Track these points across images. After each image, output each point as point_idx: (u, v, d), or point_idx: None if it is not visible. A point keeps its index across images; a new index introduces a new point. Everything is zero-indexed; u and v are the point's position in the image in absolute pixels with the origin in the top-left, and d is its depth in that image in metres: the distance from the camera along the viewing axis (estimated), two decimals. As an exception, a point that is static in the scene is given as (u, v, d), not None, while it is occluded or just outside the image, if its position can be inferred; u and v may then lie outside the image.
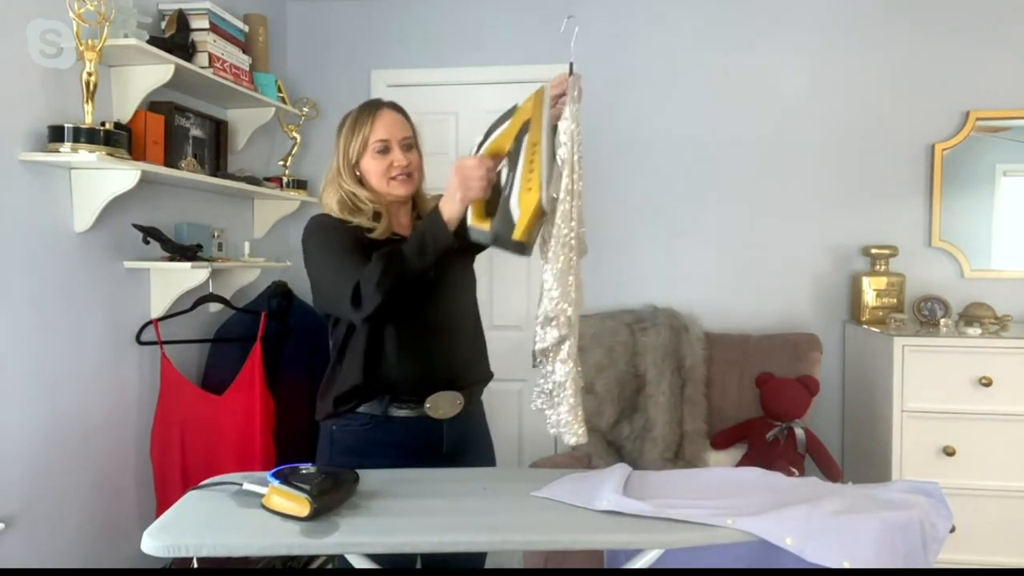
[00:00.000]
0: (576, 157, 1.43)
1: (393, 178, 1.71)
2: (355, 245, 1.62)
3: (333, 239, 1.65)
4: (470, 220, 1.44)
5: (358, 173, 1.73)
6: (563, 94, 1.54)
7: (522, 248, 1.33)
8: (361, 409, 1.69)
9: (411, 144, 1.75)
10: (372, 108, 1.74)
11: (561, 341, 1.45)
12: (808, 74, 3.03)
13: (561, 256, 1.42)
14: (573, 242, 1.44)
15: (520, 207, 1.31)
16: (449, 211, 1.52)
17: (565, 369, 1.46)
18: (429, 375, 1.69)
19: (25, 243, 1.88)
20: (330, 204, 1.73)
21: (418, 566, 1.72)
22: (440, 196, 1.83)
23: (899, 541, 1.29)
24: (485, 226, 1.40)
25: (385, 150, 1.71)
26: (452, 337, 1.73)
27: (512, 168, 1.35)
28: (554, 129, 1.51)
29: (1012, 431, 2.49)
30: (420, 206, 1.82)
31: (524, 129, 1.35)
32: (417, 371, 1.68)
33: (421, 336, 1.68)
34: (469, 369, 1.76)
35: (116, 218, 2.15)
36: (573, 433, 1.48)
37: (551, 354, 1.48)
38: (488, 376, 1.86)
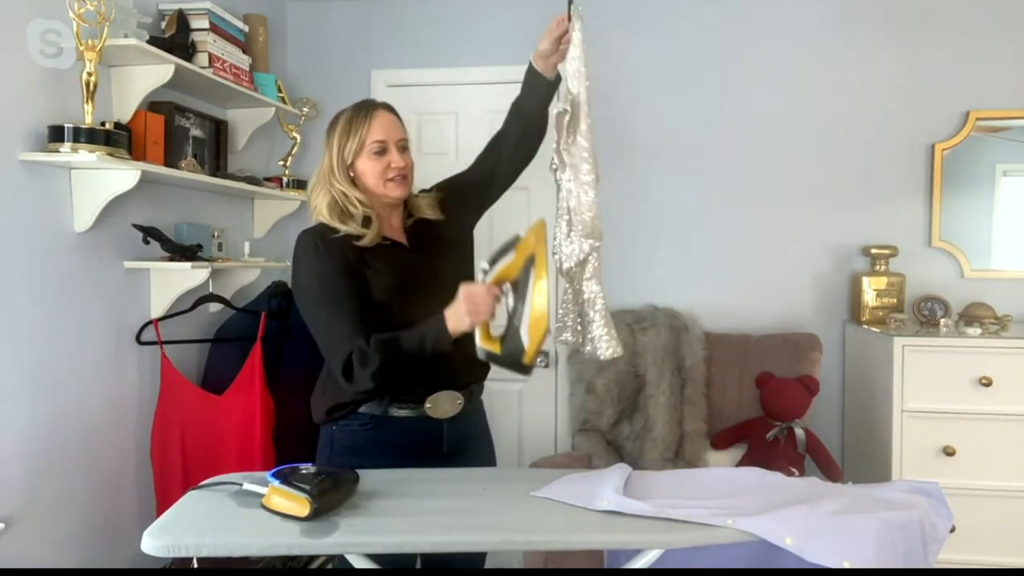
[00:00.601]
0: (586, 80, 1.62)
1: (390, 179, 1.70)
2: (346, 287, 1.61)
3: (323, 284, 1.62)
4: (478, 339, 1.57)
5: (352, 174, 1.71)
6: (565, 33, 1.66)
7: (529, 371, 1.52)
8: (361, 409, 1.69)
9: (406, 146, 1.75)
10: (368, 108, 1.73)
11: (590, 254, 1.56)
12: (808, 74, 3.03)
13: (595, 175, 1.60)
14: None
15: (530, 335, 1.47)
16: (455, 326, 1.56)
17: (593, 286, 1.57)
18: (428, 375, 1.69)
19: (25, 243, 1.88)
20: (320, 207, 1.70)
21: (418, 566, 1.72)
22: (428, 192, 1.84)
23: (899, 541, 1.29)
24: (494, 347, 1.54)
25: (382, 151, 1.69)
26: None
27: (520, 298, 1.51)
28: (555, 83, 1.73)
29: (1012, 431, 2.49)
30: (411, 204, 1.80)
31: (530, 262, 1.48)
32: (416, 372, 1.67)
33: None
34: (468, 368, 1.75)
35: (116, 218, 2.15)
36: (609, 345, 1.59)
37: (576, 275, 1.57)
38: (485, 373, 1.85)
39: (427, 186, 1.89)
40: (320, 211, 1.70)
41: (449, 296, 1.73)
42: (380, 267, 1.67)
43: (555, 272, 1.67)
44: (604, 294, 1.60)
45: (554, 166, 1.67)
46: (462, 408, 1.74)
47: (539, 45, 1.72)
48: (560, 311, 1.75)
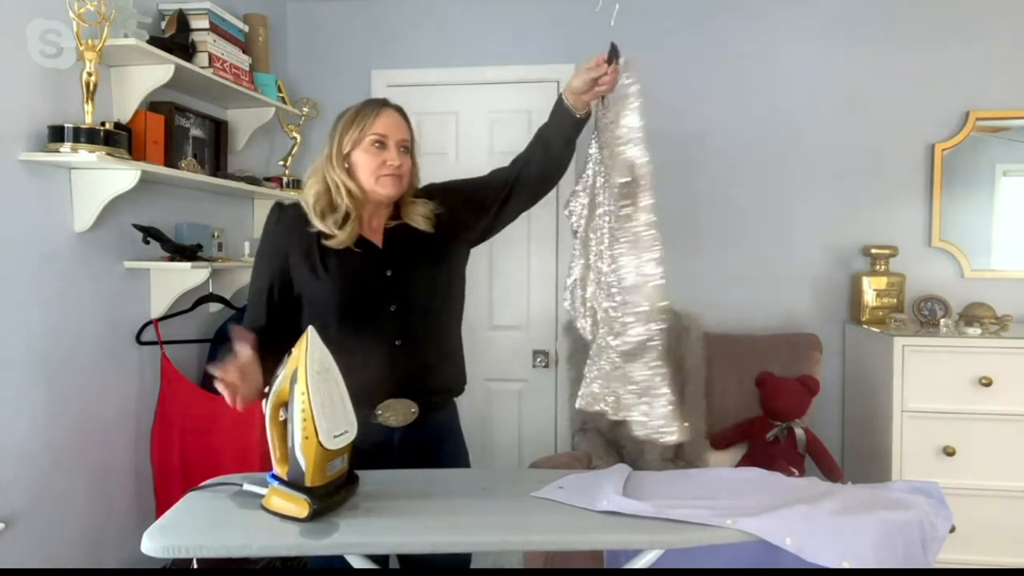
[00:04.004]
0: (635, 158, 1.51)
1: (384, 175, 1.67)
2: (266, 288, 1.68)
3: (258, 257, 1.73)
4: (274, 466, 1.43)
5: (347, 166, 1.68)
6: (601, 76, 1.58)
7: (313, 493, 1.34)
8: None
9: (407, 148, 1.72)
10: (377, 104, 1.72)
11: (650, 340, 1.48)
12: (808, 74, 3.03)
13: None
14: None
15: (304, 455, 1.34)
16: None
17: (647, 372, 1.48)
18: (380, 381, 1.66)
19: (25, 243, 1.88)
20: (307, 196, 1.69)
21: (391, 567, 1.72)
22: (427, 200, 1.76)
23: (898, 541, 1.29)
24: (283, 471, 1.40)
25: (381, 146, 1.67)
26: (410, 344, 1.69)
27: (290, 418, 1.37)
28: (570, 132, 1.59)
29: (1012, 431, 2.49)
30: (402, 209, 1.75)
31: (294, 377, 1.37)
32: (368, 376, 1.64)
33: (374, 341, 1.66)
34: (428, 378, 1.72)
35: (116, 218, 2.15)
36: (671, 431, 1.48)
37: (637, 356, 1.49)
38: (455, 387, 1.81)
39: (429, 185, 1.83)
40: (306, 200, 1.69)
41: (410, 304, 1.69)
42: (334, 268, 1.66)
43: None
44: (664, 374, 1.48)
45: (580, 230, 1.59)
46: (417, 417, 1.69)
47: (572, 80, 1.65)
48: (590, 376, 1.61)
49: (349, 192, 1.66)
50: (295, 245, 1.68)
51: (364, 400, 1.63)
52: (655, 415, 1.48)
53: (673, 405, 1.48)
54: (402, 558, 1.73)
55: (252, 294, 1.72)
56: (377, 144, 1.67)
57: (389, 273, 1.69)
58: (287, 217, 1.71)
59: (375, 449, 1.66)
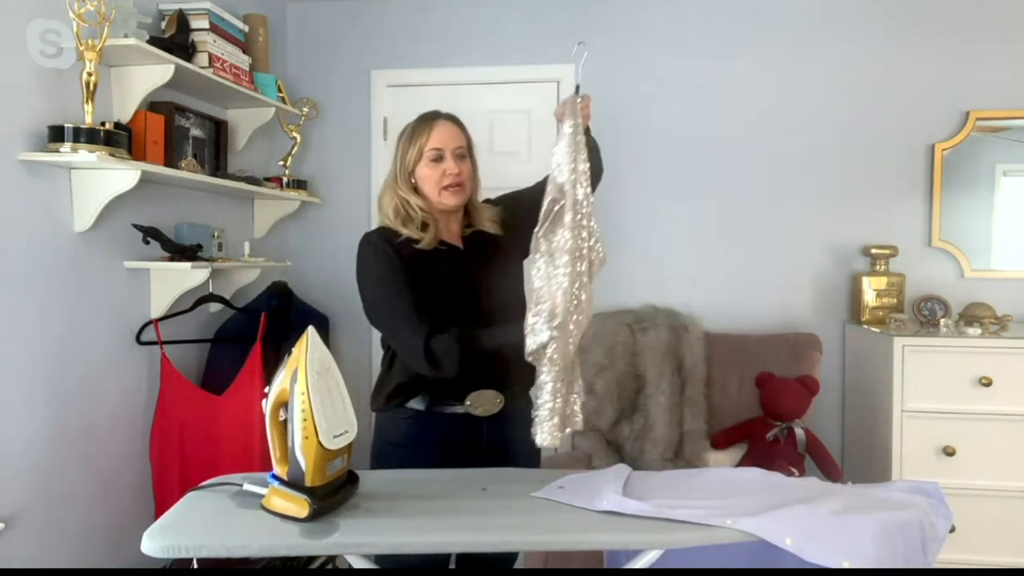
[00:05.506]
0: (576, 173, 1.53)
1: (445, 188, 1.76)
2: (404, 281, 1.69)
3: (384, 280, 1.71)
4: (274, 466, 1.43)
5: (413, 181, 1.79)
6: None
7: (313, 493, 1.35)
8: (408, 404, 1.76)
9: (464, 154, 1.80)
10: (430, 119, 1.81)
11: (547, 342, 1.50)
12: (808, 74, 3.03)
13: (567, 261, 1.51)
14: (581, 252, 1.52)
15: (304, 455, 1.35)
16: None
17: (545, 376, 1.52)
18: (470, 373, 1.73)
19: (25, 243, 1.88)
20: (386, 211, 1.80)
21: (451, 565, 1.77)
22: (492, 205, 1.88)
23: (898, 541, 1.29)
24: (283, 471, 1.40)
25: (439, 158, 1.76)
26: None
27: (291, 417, 1.38)
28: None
29: (1012, 431, 2.49)
30: (472, 214, 1.86)
31: (295, 377, 1.38)
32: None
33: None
34: (512, 369, 1.75)
35: (116, 218, 2.15)
36: (550, 435, 1.50)
37: (538, 359, 1.53)
38: (531, 377, 1.81)
39: (495, 191, 1.93)
40: (386, 214, 1.80)
41: (497, 294, 1.78)
42: (434, 269, 1.75)
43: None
44: (558, 384, 1.53)
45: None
46: (503, 407, 1.77)
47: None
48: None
49: (419, 206, 1.77)
50: (401, 256, 1.73)
51: (454, 392, 1.74)
52: (537, 415, 1.51)
53: (552, 413, 1.51)
54: (459, 557, 1.80)
55: (399, 312, 1.69)
56: (436, 158, 1.77)
57: (473, 272, 1.78)
58: (383, 242, 1.75)
59: (465, 439, 1.76)
